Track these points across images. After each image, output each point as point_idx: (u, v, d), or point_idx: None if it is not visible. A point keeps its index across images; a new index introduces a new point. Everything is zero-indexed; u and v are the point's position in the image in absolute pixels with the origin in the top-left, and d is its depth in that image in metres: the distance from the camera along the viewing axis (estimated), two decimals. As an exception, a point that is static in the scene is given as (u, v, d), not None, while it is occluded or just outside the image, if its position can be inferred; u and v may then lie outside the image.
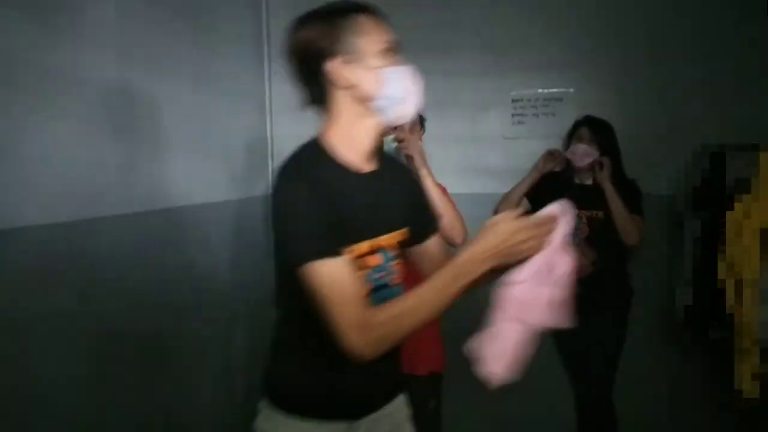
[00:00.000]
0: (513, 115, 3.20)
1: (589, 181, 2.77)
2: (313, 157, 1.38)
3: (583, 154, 2.71)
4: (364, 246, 1.34)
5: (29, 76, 1.78)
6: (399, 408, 1.52)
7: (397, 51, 1.35)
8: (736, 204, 2.02)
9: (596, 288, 2.73)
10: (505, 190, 3.14)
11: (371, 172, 1.40)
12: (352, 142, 1.37)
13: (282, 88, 3.44)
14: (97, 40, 2.09)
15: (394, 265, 1.43)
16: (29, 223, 1.75)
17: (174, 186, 2.49)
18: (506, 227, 1.20)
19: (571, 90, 3.15)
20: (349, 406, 1.40)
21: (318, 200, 1.25)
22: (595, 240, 2.71)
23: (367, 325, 1.20)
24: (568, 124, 2.86)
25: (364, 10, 1.34)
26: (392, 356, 1.38)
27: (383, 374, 1.41)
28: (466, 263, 1.21)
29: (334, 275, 1.21)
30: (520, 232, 1.20)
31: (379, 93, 1.31)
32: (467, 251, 1.22)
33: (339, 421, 1.39)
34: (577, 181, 2.81)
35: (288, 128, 3.46)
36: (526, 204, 2.96)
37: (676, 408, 3.07)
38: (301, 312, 1.30)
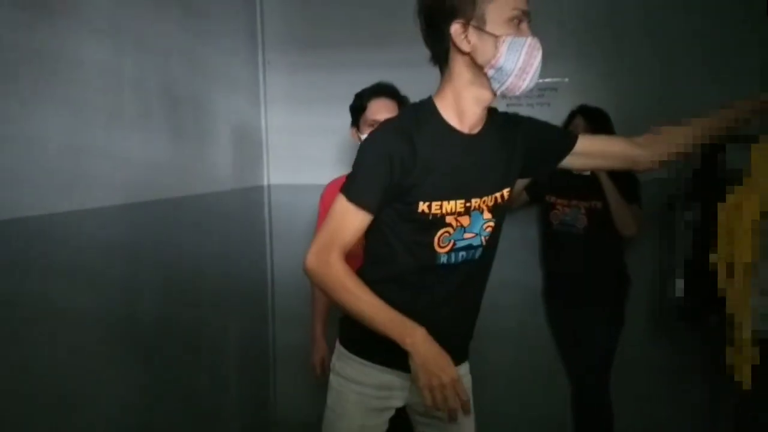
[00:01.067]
0: (508, 105, 3.17)
1: (587, 172, 2.77)
2: (420, 115, 1.43)
3: None
4: (455, 205, 1.40)
5: (20, 61, 1.76)
6: (465, 373, 1.63)
7: (525, 21, 1.35)
8: (727, 195, 2.02)
9: (593, 279, 2.75)
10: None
11: (474, 135, 1.44)
12: (458, 107, 1.41)
13: (276, 78, 3.42)
14: (91, 25, 2.06)
15: (486, 227, 1.47)
16: (20, 215, 1.74)
17: (166, 176, 2.48)
18: (448, 371, 1.30)
19: (566, 80, 3.14)
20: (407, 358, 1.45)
21: (393, 157, 1.35)
22: (593, 231, 2.71)
23: (324, 263, 1.36)
24: (563, 113, 2.85)
25: None
26: (456, 322, 1.49)
27: (444, 337, 1.45)
28: (403, 332, 1.33)
29: (347, 216, 1.37)
30: (445, 384, 1.29)
31: (492, 62, 1.32)
32: (417, 335, 1.32)
33: (400, 371, 1.48)
34: (574, 171, 2.81)
35: (282, 118, 3.45)
36: (524, 197, 2.96)
37: (671, 396, 3.09)
38: (370, 263, 1.47)
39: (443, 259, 1.44)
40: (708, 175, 2.42)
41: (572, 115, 2.81)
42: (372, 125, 2.14)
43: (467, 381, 1.65)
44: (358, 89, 2.28)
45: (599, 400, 2.80)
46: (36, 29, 1.81)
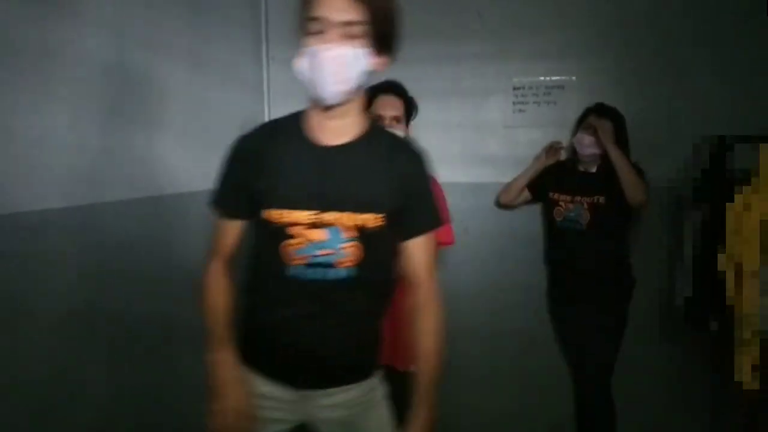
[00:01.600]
0: (514, 103, 3.17)
1: (593, 169, 2.75)
2: (284, 121, 1.43)
3: (588, 144, 2.69)
4: (299, 216, 1.33)
5: (24, 56, 1.76)
6: (362, 394, 1.46)
7: (325, 30, 1.26)
8: (736, 196, 2.00)
9: (598, 276, 2.72)
10: (505, 179, 3.11)
11: (336, 146, 1.36)
12: (312, 115, 1.37)
13: (280, 73, 3.42)
14: (95, 21, 2.06)
15: (346, 248, 1.35)
16: (22, 209, 1.73)
17: (169, 172, 2.47)
18: (223, 401, 1.35)
19: (573, 78, 3.12)
20: (282, 370, 1.41)
21: (242, 161, 1.39)
22: (597, 227, 2.69)
23: (205, 268, 1.44)
24: (569, 112, 2.82)
25: None
26: (327, 344, 1.39)
27: (310, 357, 1.38)
28: (212, 347, 1.39)
29: (217, 223, 1.44)
30: (217, 411, 1.35)
31: (297, 73, 1.31)
32: (218, 356, 1.38)
33: (281, 384, 1.41)
34: (580, 168, 2.79)
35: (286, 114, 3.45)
36: (526, 195, 2.95)
37: (675, 398, 3.07)
38: (245, 269, 1.46)
39: (294, 272, 1.35)
40: (717, 175, 2.40)
41: (587, 113, 2.78)
42: (376, 120, 2.15)
43: (362, 402, 1.47)
44: (361, 85, 2.28)
45: (602, 401, 2.77)
46: (39, 25, 1.80)
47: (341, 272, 1.36)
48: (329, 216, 1.34)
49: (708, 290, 2.30)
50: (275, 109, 3.44)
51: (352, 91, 1.31)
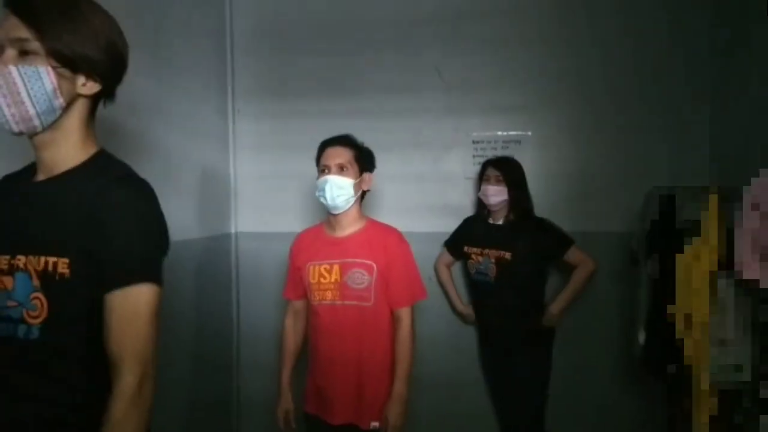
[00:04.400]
0: (474, 156, 3.26)
1: (500, 221, 2.84)
2: (25, 167, 1.32)
3: (494, 193, 2.79)
4: (2, 261, 1.17)
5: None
6: None
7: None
8: (685, 247, 2.07)
9: (516, 326, 2.76)
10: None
11: (39, 182, 1.22)
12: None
13: (245, 126, 3.44)
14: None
15: (33, 299, 1.14)
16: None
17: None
18: None
19: (529, 133, 3.23)
20: None
21: None
22: (504, 280, 2.74)
23: None
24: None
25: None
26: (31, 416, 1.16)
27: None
28: None
29: None
30: None
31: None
32: None
33: None
34: (489, 220, 2.88)
35: (251, 166, 3.45)
36: (449, 259, 3.03)
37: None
38: None
39: None
40: (663, 228, 2.49)
41: (485, 166, 2.90)
42: (323, 170, 2.22)
43: None
44: (324, 137, 2.32)
45: None
46: None
47: (32, 330, 1.14)
48: (19, 260, 1.14)
49: (665, 337, 2.35)
50: (240, 161, 3.46)
51: (37, 115, 1.14)
